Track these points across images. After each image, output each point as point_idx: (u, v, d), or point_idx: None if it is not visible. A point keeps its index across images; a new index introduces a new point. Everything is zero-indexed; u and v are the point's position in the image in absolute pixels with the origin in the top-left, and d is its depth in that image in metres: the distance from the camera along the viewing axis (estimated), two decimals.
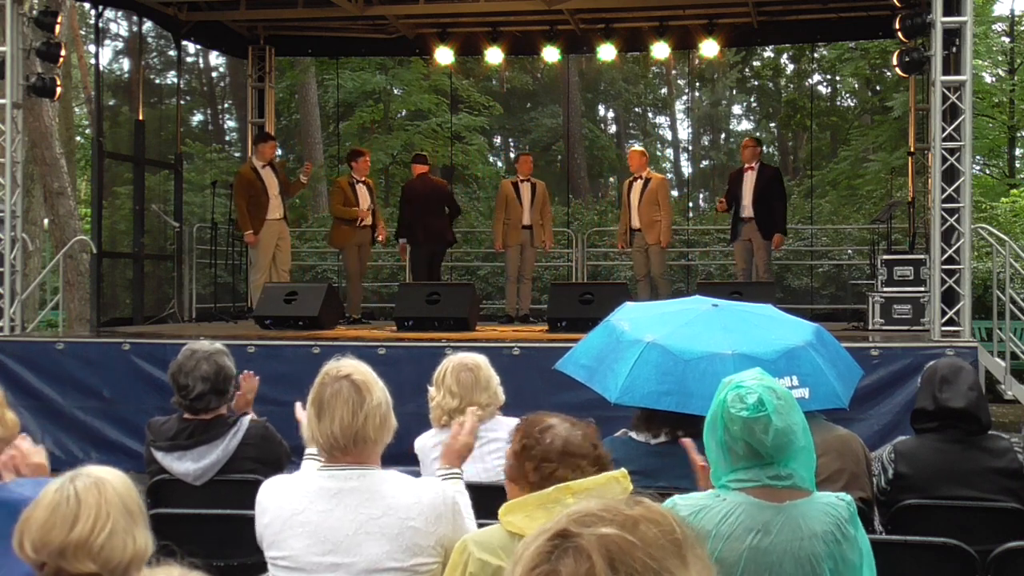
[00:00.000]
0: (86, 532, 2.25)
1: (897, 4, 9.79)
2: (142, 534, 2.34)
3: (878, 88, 23.85)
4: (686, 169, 32.49)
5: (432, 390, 4.43)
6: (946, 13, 8.70)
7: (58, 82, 10.43)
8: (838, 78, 26.85)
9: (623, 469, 2.71)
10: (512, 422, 4.38)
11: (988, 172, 21.40)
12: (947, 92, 8.76)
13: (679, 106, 32.36)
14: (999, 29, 21.09)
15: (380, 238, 11.90)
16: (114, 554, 2.26)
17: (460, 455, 3.54)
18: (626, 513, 1.34)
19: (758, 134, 27.67)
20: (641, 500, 1.40)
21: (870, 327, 9.74)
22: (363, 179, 11.60)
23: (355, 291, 11.79)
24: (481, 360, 4.44)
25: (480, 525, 3.01)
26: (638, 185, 11.27)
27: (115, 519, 2.28)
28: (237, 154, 22.58)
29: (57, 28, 10.22)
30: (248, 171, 11.45)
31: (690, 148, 32.23)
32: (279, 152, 21.49)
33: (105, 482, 2.34)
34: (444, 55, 13.01)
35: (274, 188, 11.35)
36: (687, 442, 3.37)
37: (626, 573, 1.28)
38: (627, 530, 1.32)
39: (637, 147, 13.36)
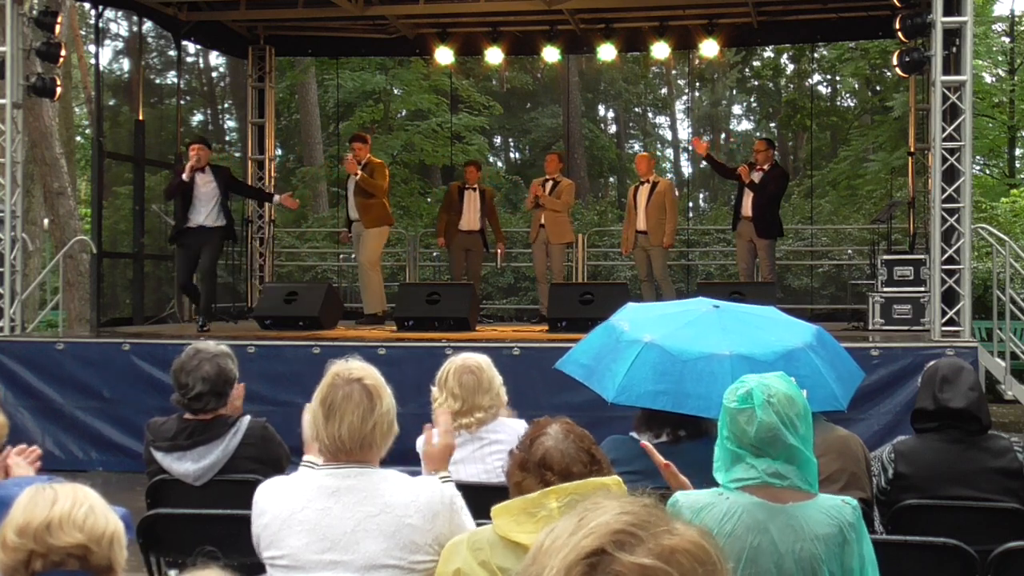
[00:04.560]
0: (67, 507, 2.40)
1: (897, 4, 9.78)
2: (118, 521, 2.49)
3: (878, 88, 23.87)
4: (686, 169, 32.44)
5: (435, 391, 4.42)
6: (946, 13, 8.70)
7: (58, 82, 10.45)
8: (838, 78, 26.86)
9: (616, 477, 2.70)
10: (515, 423, 4.40)
11: (988, 172, 21.43)
12: (947, 92, 8.76)
13: (679, 106, 32.38)
14: (999, 29, 21.12)
15: (500, 251, 12.24)
16: (97, 526, 2.39)
17: (444, 457, 3.52)
18: (663, 544, 1.27)
19: (758, 134, 27.67)
20: (678, 522, 1.32)
21: (870, 327, 9.75)
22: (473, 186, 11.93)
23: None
24: (484, 361, 4.39)
25: (479, 526, 3.01)
26: (645, 189, 11.39)
27: (91, 500, 2.45)
28: (237, 154, 22.58)
29: (57, 28, 10.22)
30: None
31: (690, 148, 32.14)
32: (278, 152, 21.53)
33: (75, 484, 2.54)
34: (444, 55, 13.01)
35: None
36: (646, 445, 3.42)
37: None
38: (667, 562, 1.24)
39: (643, 153, 13.48)
